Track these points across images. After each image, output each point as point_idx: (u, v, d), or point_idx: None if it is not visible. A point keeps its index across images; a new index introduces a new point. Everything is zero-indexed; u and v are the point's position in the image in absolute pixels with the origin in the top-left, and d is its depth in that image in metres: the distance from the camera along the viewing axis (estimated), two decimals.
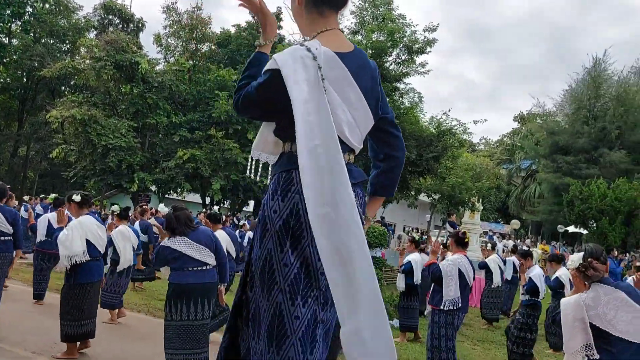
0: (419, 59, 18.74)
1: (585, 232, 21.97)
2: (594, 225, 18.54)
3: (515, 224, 25.47)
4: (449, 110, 22.72)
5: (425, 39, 18.50)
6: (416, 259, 8.82)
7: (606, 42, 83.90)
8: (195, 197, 29.14)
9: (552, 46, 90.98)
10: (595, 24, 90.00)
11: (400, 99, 18.72)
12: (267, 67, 1.87)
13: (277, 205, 1.82)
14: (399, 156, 2.15)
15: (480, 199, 28.17)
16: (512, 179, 46.65)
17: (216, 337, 5.70)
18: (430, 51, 18.67)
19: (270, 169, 2.03)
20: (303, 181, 1.71)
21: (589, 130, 30.73)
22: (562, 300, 3.65)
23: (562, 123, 33.92)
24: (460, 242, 5.81)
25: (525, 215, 38.93)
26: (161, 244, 5.04)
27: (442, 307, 5.63)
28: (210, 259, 4.97)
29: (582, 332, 3.42)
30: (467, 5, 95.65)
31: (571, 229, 23.72)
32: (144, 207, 12.12)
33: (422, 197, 25.78)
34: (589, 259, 3.49)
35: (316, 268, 1.79)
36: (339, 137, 1.76)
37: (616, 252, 15.62)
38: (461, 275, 5.64)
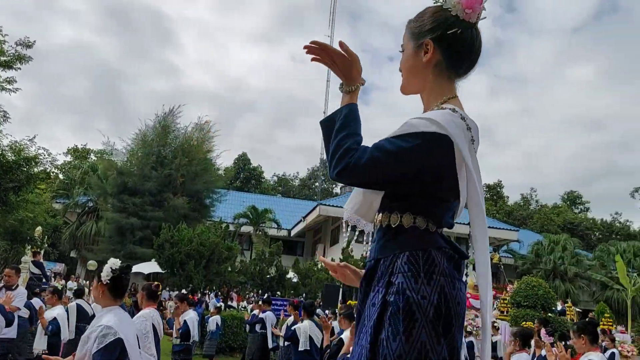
0: (6, 73, 16.28)
1: (162, 271, 22.33)
2: (180, 268, 19.58)
3: (92, 264, 24.23)
4: (35, 137, 18.10)
5: (17, 54, 16.26)
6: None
7: (149, 93, 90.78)
8: None
9: (98, 84, 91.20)
10: (141, 74, 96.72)
11: None
12: (425, 129, 1.59)
13: (424, 290, 1.58)
14: None
15: (46, 236, 25.78)
16: (65, 215, 44.40)
17: None
18: (20, 68, 16.47)
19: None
20: (478, 270, 1.67)
21: (156, 175, 32.43)
22: None
23: (132, 165, 34.78)
24: (152, 295, 5.27)
25: (84, 253, 37.50)
26: None
27: None
28: None
29: None
30: (27, 24, 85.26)
31: (152, 269, 24.10)
32: None
33: None
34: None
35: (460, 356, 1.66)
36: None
37: (199, 294, 16.82)
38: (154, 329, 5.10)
